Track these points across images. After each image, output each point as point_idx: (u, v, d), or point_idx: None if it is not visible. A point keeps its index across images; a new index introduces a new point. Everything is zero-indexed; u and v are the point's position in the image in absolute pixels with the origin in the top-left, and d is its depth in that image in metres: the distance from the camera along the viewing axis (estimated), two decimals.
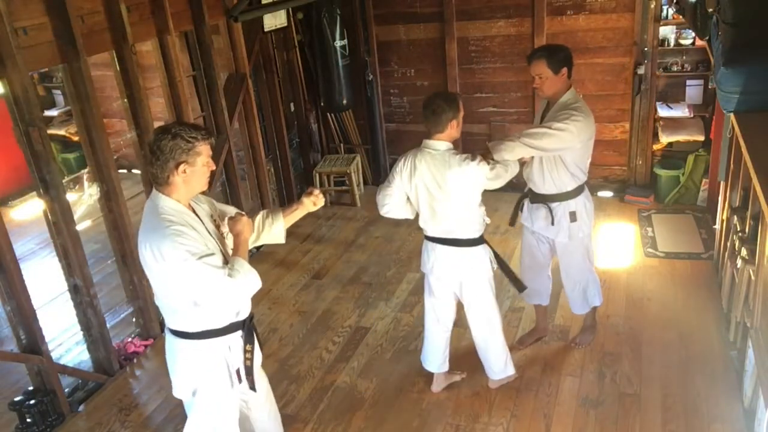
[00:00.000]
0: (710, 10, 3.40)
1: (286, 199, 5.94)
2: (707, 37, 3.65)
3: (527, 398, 3.46)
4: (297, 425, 3.43)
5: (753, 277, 3.02)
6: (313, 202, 2.70)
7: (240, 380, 2.53)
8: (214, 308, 2.40)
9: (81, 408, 3.69)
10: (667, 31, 5.41)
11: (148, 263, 2.29)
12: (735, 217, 3.45)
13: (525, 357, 3.80)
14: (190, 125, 2.34)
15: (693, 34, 5.16)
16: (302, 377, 3.81)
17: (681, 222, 5.32)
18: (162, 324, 4.30)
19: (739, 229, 3.32)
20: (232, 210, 2.61)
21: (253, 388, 2.57)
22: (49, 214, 3.52)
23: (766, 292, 2.73)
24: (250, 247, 2.57)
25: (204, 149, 2.29)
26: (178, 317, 2.43)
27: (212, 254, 2.28)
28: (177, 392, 2.56)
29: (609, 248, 5.02)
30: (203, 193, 2.49)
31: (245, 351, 2.51)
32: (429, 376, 3.69)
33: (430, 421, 3.37)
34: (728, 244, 3.77)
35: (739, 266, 3.28)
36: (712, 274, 4.48)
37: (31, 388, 3.55)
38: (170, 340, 2.50)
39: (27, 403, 3.44)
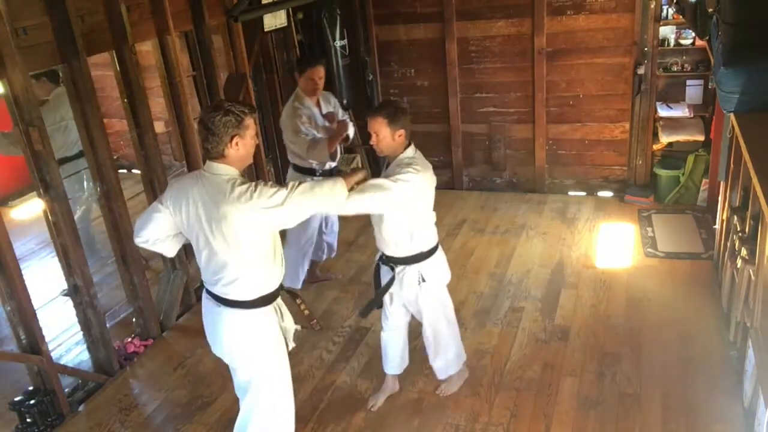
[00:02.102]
0: (710, 10, 3.40)
1: None
2: (707, 37, 3.66)
3: (527, 398, 3.46)
4: (297, 425, 3.41)
5: (753, 277, 3.02)
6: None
7: (288, 344, 2.77)
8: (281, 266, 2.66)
9: (81, 408, 3.69)
10: (667, 31, 5.41)
11: (244, 226, 2.44)
12: (735, 217, 3.45)
13: (525, 357, 3.80)
14: (237, 102, 2.55)
15: (693, 34, 5.16)
16: (302, 377, 3.81)
17: (681, 222, 5.32)
18: (162, 325, 4.32)
19: (739, 229, 3.32)
20: None
21: (320, 328, 2.95)
22: (49, 214, 3.52)
23: (766, 292, 2.73)
24: None
25: (251, 122, 2.47)
26: (255, 282, 2.58)
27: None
28: (239, 366, 2.71)
29: (609, 248, 5.02)
30: None
31: (298, 304, 2.85)
32: (429, 376, 3.69)
33: (430, 421, 3.37)
34: (728, 244, 3.77)
35: (739, 266, 3.28)
36: (712, 274, 4.48)
37: (31, 388, 3.54)
38: (229, 315, 2.60)
39: (27, 403, 3.44)
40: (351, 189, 2.75)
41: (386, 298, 3.30)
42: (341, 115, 4.37)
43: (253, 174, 5.41)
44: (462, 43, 5.94)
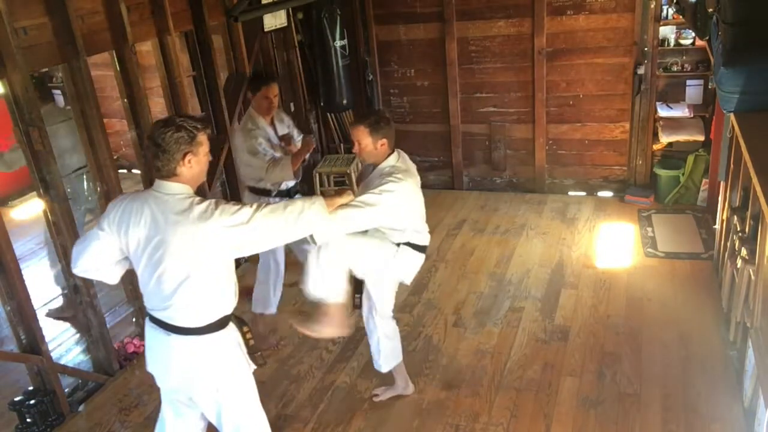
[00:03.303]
0: (710, 10, 3.40)
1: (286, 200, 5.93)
2: (707, 37, 3.66)
3: (527, 398, 3.46)
4: (297, 425, 3.43)
5: (753, 277, 3.02)
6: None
7: (250, 365, 2.58)
8: (233, 291, 2.44)
9: (81, 408, 3.69)
10: (667, 31, 5.41)
11: (205, 247, 2.28)
12: (735, 217, 3.45)
13: (525, 357, 3.80)
14: (189, 116, 2.38)
15: (693, 34, 5.16)
16: (302, 377, 3.81)
17: (681, 222, 5.32)
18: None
19: (739, 229, 3.32)
20: None
21: (262, 364, 2.67)
22: (49, 214, 3.52)
23: (766, 292, 2.73)
24: None
25: (204, 139, 2.34)
26: (210, 306, 2.39)
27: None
28: (200, 396, 2.49)
29: (609, 248, 5.02)
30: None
31: (244, 333, 2.55)
32: (430, 376, 3.70)
33: (430, 421, 3.37)
34: (728, 244, 3.77)
35: (739, 266, 3.28)
36: (712, 274, 4.48)
37: (31, 388, 3.54)
38: (192, 341, 2.39)
39: (27, 403, 3.44)
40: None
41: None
42: (297, 134, 4.17)
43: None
44: (462, 43, 5.94)
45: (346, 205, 2.71)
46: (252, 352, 2.56)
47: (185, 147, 2.26)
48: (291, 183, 4.02)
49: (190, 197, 2.31)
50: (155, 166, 2.31)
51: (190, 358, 2.41)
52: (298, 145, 4.05)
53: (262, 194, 3.95)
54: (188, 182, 2.34)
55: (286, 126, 4.14)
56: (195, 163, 2.31)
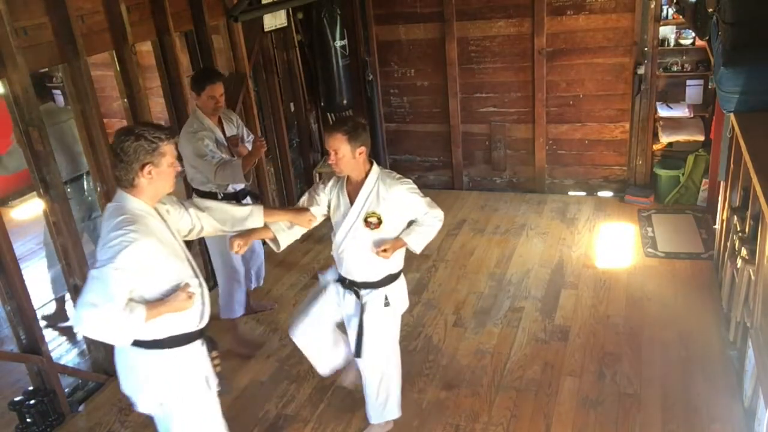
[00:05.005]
0: (710, 10, 3.40)
1: (286, 199, 5.93)
2: (707, 37, 3.66)
3: (527, 398, 3.46)
4: (297, 425, 3.43)
5: (753, 277, 3.02)
6: (309, 220, 2.89)
7: (210, 387, 2.50)
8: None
9: (81, 408, 3.69)
10: (667, 31, 5.41)
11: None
12: (735, 217, 3.45)
13: (525, 357, 3.80)
14: (153, 125, 2.32)
15: (693, 34, 5.16)
16: (302, 377, 3.81)
17: (681, 222, 5.32)
18: None
19: (739, 229, 3.33)
20: (185, 219, 2.54)
21: (227, 391, 2.58)
22: (49, 214, 3.52)
23: (766, 292, 2.73)
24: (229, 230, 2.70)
25: (168, 149, 2.27)
26: (164, 321, 2.32)
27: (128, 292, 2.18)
28: (143, 406, 2.47)
29: (609, 248, 5.02)
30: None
31: (212, 358, 2.49)
32: (430, 376, 3.70)
33: (430, 421, 3.37)
34: (728, 244, 3.77)
35: (739, 266, 3.28)
36: (712, 274, 4.48)
37: (31, 388, 3.54)
38: (130, 353, 2.37)
39: (27, 403, 3.44)
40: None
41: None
42: (246, 135, 4.04)
43: (254, 174, 5.42)
44: (462, 43, 5.94)
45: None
46: (219, 378, 2.51)
47: (144, 157, 2.21)
48: (239, 186, 3.89)
49: (119, 218, 2.20)
50: (115, 176, 2.29)
51: (129, 371, 2.42)
52: (249, 146, 3.93)
53: (209, 197, 3.69)
54: (149, 194, 2.29)
55: (234, 126, 4.00)
56: (156, 175, 2.25)
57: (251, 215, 2.73)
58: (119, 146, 2.21)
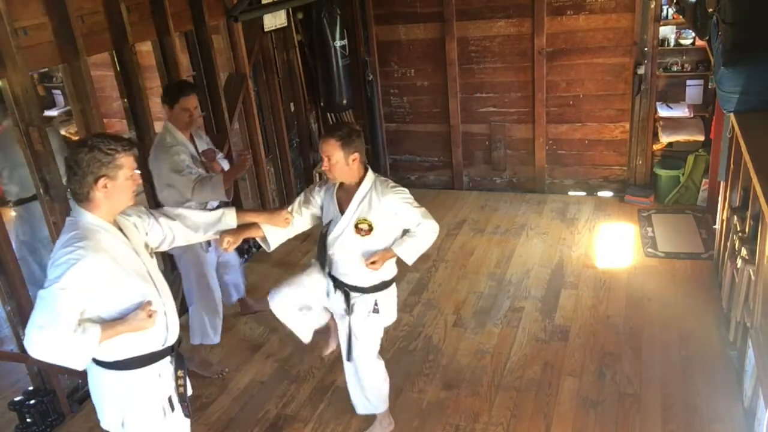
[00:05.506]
0: (710, 10, 3.40)
1: (286, 200, 5.93)
2: (707, 37, 3.66)
3: (527, 398, 3.46)
4: (297, 425, 3.44)
5: (753, 277, 3.02)
6: (285, 219, 2.86)
7: (173, 408, 2.40)
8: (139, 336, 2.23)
9: (81, 408, 3.68)
10: (667, 31, 5.41)
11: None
12: (735, 217, 3.45)
13: (525, 357, 3.80)
14: (109, 136, 2.21)
15: (693, 34, 5.16)
16: (302, 377, 3.81)
17: (681, 222, 5.32)
18: None
19: (739, 229, 3.33)
20: (155, 231, 2.46)
21: (188, 415, 2.46)
22: (49, 214, 3.52)
23: (766, 292, 2.74)
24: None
25: (126, 161, 2.16)
26: (113, 345, 2.21)
27: (77, 313, 2.07)
28: (105, 424, 2.41)
29: (609, 248, 5.02)
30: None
31: (177, 378, 2.40)
32: (430, 376, 3.70)
33: (430, 421, 3.37)
34: (728, 244, 3.77)
35: (739, 266, 3.28)
36: (712, 274, 4.48)
37: (31, 388, 3.54)
38: (93, 371, 2.31)
39: (27, 403, 3.44)
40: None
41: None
42: (216, 154, 3.79)
43: (255, 175, 5.42)
44: (462, 43, 5.94)
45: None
46: (181, 400, 2.43)
47: (99, 170, 2.10)
48: (215, 203, 3.59)
49: (70, 235, 2.12)
50: (70, 189, 2.19)
51: (93, 389, 2.37)
52: (221, 162, 3.77)
53: None
54: (106, 209, 2.18)
55: (205, 143, 3.82)
56: (112, 188, 2.14)
57: (224, 217, 2.68)
58: (72, 158, 2.10)
